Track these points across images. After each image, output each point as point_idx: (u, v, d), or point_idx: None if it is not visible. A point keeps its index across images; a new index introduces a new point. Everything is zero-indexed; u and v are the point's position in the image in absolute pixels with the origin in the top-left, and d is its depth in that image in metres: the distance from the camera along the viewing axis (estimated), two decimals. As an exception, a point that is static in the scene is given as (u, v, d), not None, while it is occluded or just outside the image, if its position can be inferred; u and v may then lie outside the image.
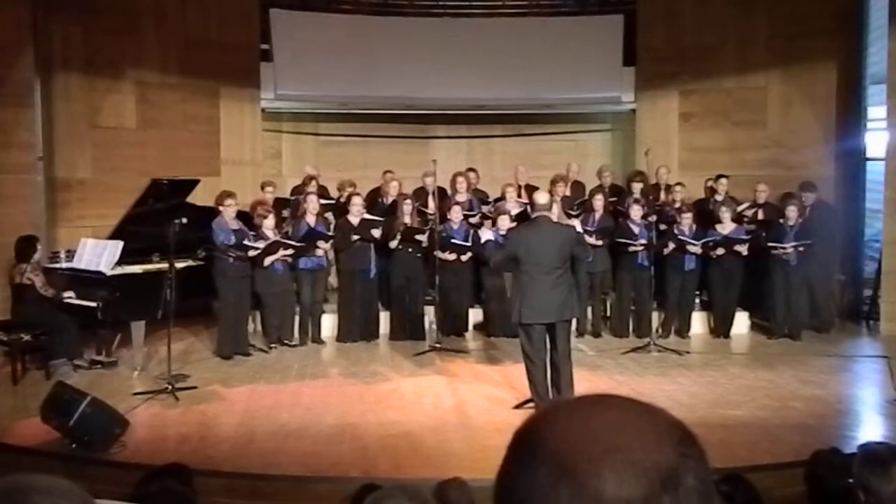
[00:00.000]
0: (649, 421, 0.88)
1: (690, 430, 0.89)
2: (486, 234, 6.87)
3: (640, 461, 0.83)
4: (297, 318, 9.07)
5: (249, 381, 7.57)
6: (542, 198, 6.54)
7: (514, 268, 6.36)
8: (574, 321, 7.03)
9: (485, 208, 9.93)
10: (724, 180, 9.76)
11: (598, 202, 9.32)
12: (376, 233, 8.93)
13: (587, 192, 10.03)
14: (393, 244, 8.98)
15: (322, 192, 9.78)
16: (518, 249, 6.26)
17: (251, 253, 8.29)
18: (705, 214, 9.53)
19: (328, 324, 9.27)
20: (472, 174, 10.33)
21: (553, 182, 9.69)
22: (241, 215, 8.67)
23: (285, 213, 9.55)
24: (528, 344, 6.31)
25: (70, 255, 8.18)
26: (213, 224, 8.34)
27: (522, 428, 0.92)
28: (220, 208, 8.45)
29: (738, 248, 8.98)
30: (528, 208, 6.65)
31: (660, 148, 10.52)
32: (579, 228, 6.79)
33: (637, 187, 9.74)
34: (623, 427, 0.86)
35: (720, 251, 8.99)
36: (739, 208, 9.58)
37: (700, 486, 0.85)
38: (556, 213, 7.05)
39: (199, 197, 8.81)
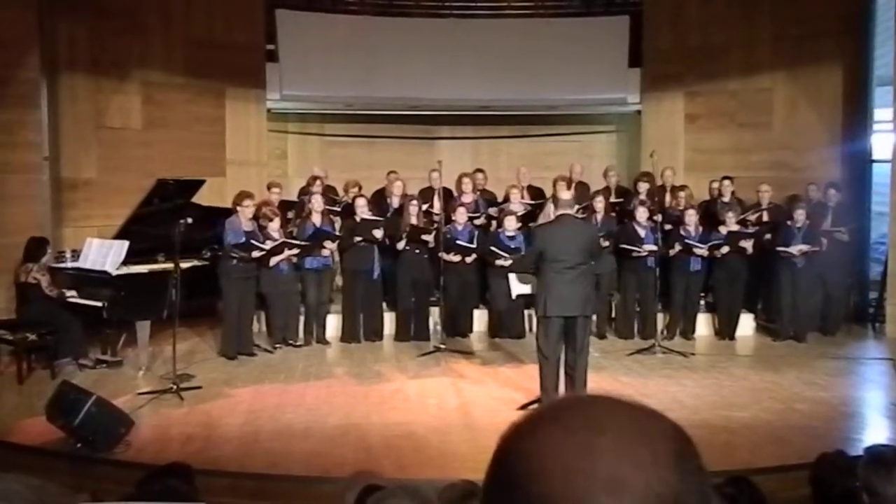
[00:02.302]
0: (643, 437, 0.78)
1: (686, 435, 0.82)
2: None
3: (637, 494, 0.74)
4: (301, 319, 9.07)
5: (254, 382, 7.58)
6: (565, 194, 6.63)
7: (539, 265, 6.41)
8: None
9: (491, 210, 9.92)
10: (729, 182, 9.74)
11: (600, 204, 9.30)
12: (378, 233, 8.93)
13: (591, 194, 10.00)
14: (400, 245, 8.98)
15: (329, 193, 9.78)
16: (544, 246, 6.36)
17: (255, 254, 8.29)
18: (710, 216, 9.50)
19: (333, 324, 9.27)
20: (479, 175, 10.29)
21: (555, 183, 9.68)
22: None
23: (290, 214, 9.55)
24: (545, 338, 6.34)
25: (76, 254, 8.20)
26: (227, 223, 8.36)
27: (499, 448, 0.83)
28: (238, 209, 8.45)
29: (743, 243, 8.95)
30: (552, 205, 6.73)
31: (665, 149, 10.51)
32: None
33: (644, 188, 9.71)
34: (613, 449, 0.76)
35: (725, 249, 8.97)
36: (744, 216, 9.53)
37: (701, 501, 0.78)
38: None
39: (205, 197, 8.82)
